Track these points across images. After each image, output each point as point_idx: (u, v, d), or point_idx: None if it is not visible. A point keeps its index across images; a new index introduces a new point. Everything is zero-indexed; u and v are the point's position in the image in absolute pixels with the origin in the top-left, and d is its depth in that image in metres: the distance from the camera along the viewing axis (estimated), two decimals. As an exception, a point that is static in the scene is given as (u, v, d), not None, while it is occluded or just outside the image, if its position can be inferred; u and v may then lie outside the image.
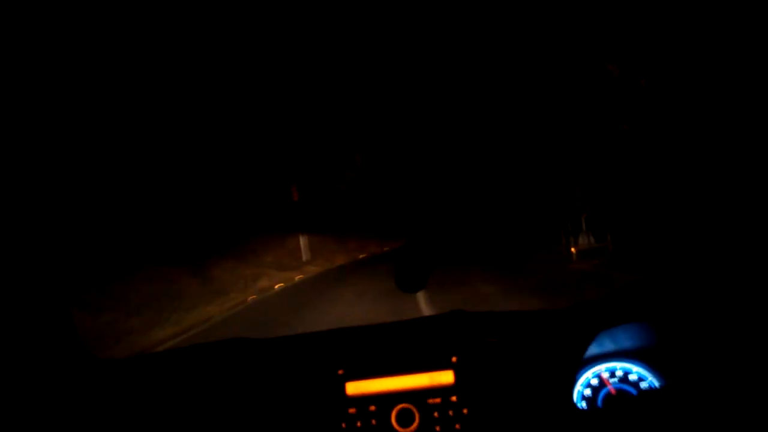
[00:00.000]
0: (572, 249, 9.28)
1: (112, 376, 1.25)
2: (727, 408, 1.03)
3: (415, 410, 1.08)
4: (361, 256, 16.17)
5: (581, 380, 1.26)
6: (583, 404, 1.25)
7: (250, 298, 9.75)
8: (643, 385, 1.25)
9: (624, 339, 1.26)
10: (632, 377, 1.26)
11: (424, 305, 5.72)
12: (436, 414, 1.08)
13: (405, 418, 1.08)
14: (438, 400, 1.09)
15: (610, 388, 1.26)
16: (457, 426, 1.07)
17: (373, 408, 1.10)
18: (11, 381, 1.14)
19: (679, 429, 1.01)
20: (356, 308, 6.33)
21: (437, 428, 1.07)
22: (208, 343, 1.34)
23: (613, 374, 1.27)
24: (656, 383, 1.24)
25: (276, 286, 10.88)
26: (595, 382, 1.26)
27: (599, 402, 1.24)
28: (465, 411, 1.08)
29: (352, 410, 1.10)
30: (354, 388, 1.12)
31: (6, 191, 1.27)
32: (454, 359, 1.13)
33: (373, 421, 1.08)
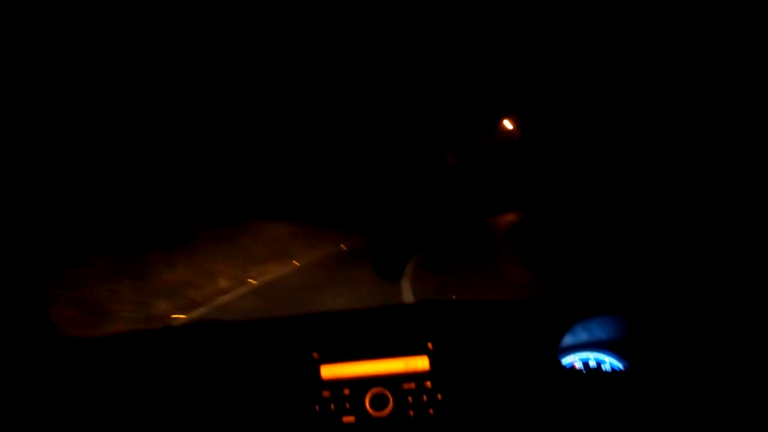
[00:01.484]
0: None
1: (81, 355, 1.23)
2: (694, 397, 1.06)
3: (389, 394, 1.09)
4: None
5: None
6: None
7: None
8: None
9: (598, 330, 1.27)
10: (605, 367, 1.28)
11: (403, 293, 5.73)
12: (410, 399, 1.08)
13: (379, 402, 1.08)
14: (413, 385, 1.10)
15: None
16: (431, 411, 1.07)
17: (347, 392, 1.10)
18: None
19: (643, 408, 1.05)
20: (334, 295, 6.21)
21: (411, 413, 1.07)
22: (182, 326, 1.32)
23: (586, 365, 1.29)
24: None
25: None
26: None
27: None
28: (439, 396, 1.08)
29: (326, 393, 1.10)
30: (328, 371, 1.12)
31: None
32: (429, 345, 1.14)
33: (347, 405, 1.09)
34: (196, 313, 5.77)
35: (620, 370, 1.27)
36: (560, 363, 1.21)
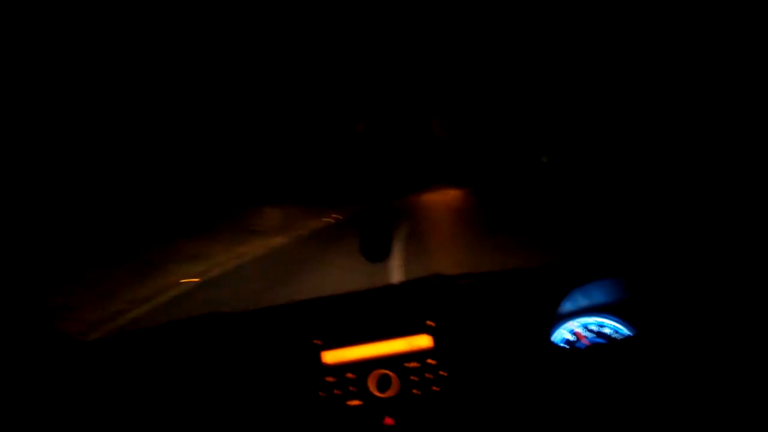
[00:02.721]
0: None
1: (87, 358, 1.22)
2: (695, 355, 1.06)
3: (393, 375, 1.08)
4: None
5: (556, 336, 1.27)
6: None
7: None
8: (618, 338, 1.27)
9: (597, 294, 1.27)
10: (606, 330, 1.28)
11: (397, 272, 5.72)
12: (414, 377, 1.07)
13: (383, 384, 1.07)
14: (416, 364, 1.09)
15: (585, 342, 1.28)
16: (436, 388, 1.06)
17: (350, 375, 1.09)
18: None
19: (649, 373, 1.04)
20: (331, 277, 6.17)
21: (415, 391, 1.06)
22: (184, 319, 1.30)
23: (587, 329, 1.29)
24: (630, 335, 1.27)
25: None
26: (571, 338, 1.28)
27: None
28: (443, 373, 1.07)
29: (329, 379, 1.08)
30: (331, 356, 1.11)
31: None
32: (430, 323, 1.12)
33: (352, 388, 1.08)
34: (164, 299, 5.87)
35: (621, 333, 1.27)
36: (552, 335, 1.21)
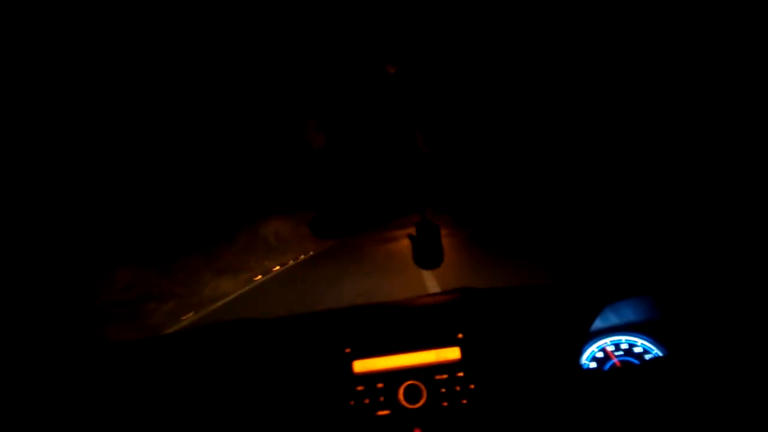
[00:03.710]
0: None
1: (122, 359, 1.26)
2: (727, 376, 1.03)
3: (422, 386, 1.09)
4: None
5: (587, 353, 1.26)
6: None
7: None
8: (648, 357, 1.26)
9: (629, 313, 1.26)
10: (637, 350, 1.27)
11: (432, 282, 5.69)
12: (443, 390, 1.09)
13: (412, 395, 1.08)
14: (445, 376, 1.10)
15: (614, 360, 1.27)
16: (464, 401, 1.07)
17: (380, 385, 1.10)
18: (21, 365, 1.15)
19: (681, 395, 1.03)
20: (359, 288, 6.19)
21: (444, 404, 1.08)
22: (216, 324, 1.34)
23: (618, 347, 1.28)
24: (661, 355, 1.25)
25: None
26: (600, 355, 1.27)
27: None
28: (472, 386, 1.08)
29: (359, 388, 1.11)
30: (361, 366, 1.13)
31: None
32: (460, 336, 1.13)
33: (381, 398, 1.09)
34: (207, 312, 6.14)
35: (653, 353, 1.25)
36: (583, 352, 1.20)
